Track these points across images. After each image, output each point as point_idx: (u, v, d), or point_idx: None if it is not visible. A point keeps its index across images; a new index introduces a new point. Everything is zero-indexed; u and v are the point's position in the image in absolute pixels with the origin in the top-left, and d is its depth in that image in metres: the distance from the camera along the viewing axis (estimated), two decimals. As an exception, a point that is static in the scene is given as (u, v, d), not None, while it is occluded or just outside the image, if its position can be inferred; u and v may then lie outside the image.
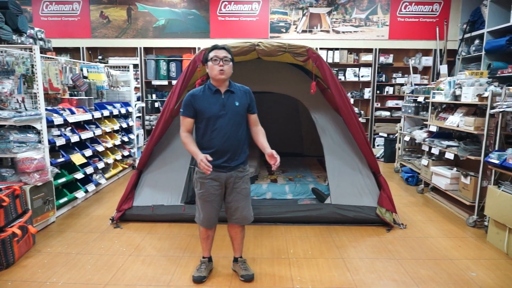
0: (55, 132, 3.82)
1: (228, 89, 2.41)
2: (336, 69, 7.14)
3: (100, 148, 4.68)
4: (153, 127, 3.79)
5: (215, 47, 2.38)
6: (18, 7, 3.96)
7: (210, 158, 2.25)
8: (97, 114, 4.67)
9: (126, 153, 5.56)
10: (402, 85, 7.07)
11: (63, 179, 3.86)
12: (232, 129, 2.39)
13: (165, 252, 3.01)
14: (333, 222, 3.54)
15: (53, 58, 4.28)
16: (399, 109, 7.03)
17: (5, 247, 2.66)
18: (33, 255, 2.92)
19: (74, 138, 4.07)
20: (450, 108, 4.32)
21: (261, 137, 2.54)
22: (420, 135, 4.83)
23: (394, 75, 7.33)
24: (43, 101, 3.46)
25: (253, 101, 2.51)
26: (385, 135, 7.10)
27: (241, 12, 7.13)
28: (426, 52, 7.17)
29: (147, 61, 7.19)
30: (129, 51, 7.36)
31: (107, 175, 4.91)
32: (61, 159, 3.83)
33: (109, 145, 4.96)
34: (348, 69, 7.18)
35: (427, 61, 7.10)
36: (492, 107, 3.25)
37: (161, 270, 2.72)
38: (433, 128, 4.48)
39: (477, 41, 6.27)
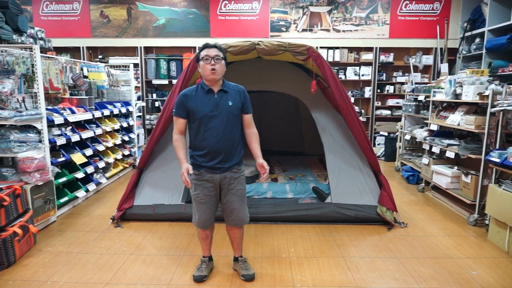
0: (56, 131, 3.82)
1: (221, 89, 2.36)
2: (337, 68, 7.14)
3: (100, 148, 4.68)
4: (154, 127, 3.79)
5: (206, 46, 2.33)
6: (18, 7, 3.96)
7: (191, 172, 2.29)
8: (98, 114, 4.67)
9: (126, 152, 5.57)
10: (402, 83, 7.07)
11: (64, 179, 3.86)
12: (225, 129, 2.34)
13: (166, 251, 3.01)
14: (334, 221, 3.54)
15: (53, 57, 4.29)
16: (399, 108, 7.03)
17: (6, 247, 2.67)
18: (34, 255, 2.92)
19: (75, 138, 4.07)
20: (451, 106, 4.31)
21: (254, 143, 2.48)
22: (420, 134, 4.83)
23: (394, 74, 7.32)
24: (44, 100, 3.46)
25: (247, 100, 2.45)
26: (386, 134, 7.09)
27: (241, 11, 7.12)
28: (426, 51, 7.16)
29: (148, 60, 7.19)
30: (129, 51, 7.36)
31: (107, 175, 4.91)
32: (61, 159, 3.83)
33: (110, 144, 4.96)
34: (348, 68, 7.17)
35: (428, 59, 7.09)
36: (493, 106, 3.25)
37: (161, 269, 2.72)
38: (434, 127, 4.48)
39: (477, 40, 6.26)
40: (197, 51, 5.73)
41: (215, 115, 2.33)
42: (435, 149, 4.29)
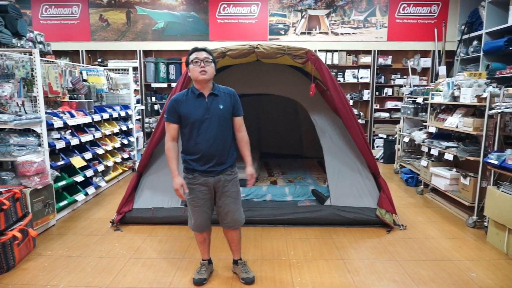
0: (55, 135, 3.82)
1: (211, 92, 2.37)
2: (335, 70, 7.16)
3: (100, 151, 4.68)
4: (153, 130, 3.80)
5: (195, 49, 2.34)
6: (17, 11, 3.97)
7: (186, 190, 2.37)
8: (97, 117, 4.68)
9: (126, 155, 5.57)
10: (401, 86, 7.09)
11: (63, 182, 3.86)
12: (217, 133, 2.34)
13: (166, 254, 3.01)
14: (333, 223, 3.55)
15: (52, 61, 4.30)
16: (398, 110, 7.05)
17: (6, 250, 2.67)
18: (34, 258, 2.92)
19: (74, 141, 4.08)
20: (449, 109, 4.33)
21: (245, 149, 2.49)
22: (419, 136, 4.84)
23: (393, 77, 7.35)
24: (43, 104, 3.47)
25: (238, 103, 2.45)
26: (385, 136, 7.11)
27: (240, 15, 7.15)
28: (424, 53, 7.19)
29: (147, 63, 7.20)
30: (129, 54, 7.37)
31: (107, 178, 4.91)
32: (61, 162, 3.83)
33: (109, 147, 4.96)
34: (347, 70, 7.19)
35: (426, 62, 7.12)
36: (491, 108, 3.26)
37: (161, 272, 2.72)
38: (432, 129, 4.49)
39: (475, 42, 6.29)
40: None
41: (206, 119, 2.33)
42: (434, 151, 4.30)
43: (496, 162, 3.07)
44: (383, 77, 7.26)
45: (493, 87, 3.59)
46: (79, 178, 4.13)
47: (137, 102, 6.64)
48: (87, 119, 4.40)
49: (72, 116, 4.13)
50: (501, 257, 2.95)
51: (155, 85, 7.27)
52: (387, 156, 6.68)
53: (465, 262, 2.87)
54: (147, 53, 7.36)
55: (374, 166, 3.63)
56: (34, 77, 3.42)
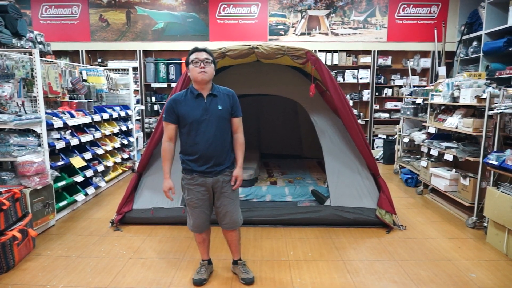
0: (55, 135, 3.82)
1: (210, 93, 2.36)
2: (335, 71, 7.16)
3: (99, 151, 4.68)
4: (153, 130, 3.79)
5: (195, 50, 2.33)
6: (17, 11, 3.97)
7: (174, 194, 2.46)
8: (97, 117, 4.68)
9: (125, 156, 5.57)
10: (400, 86, 7.10)
11: (63, 182, 3.86)
12: (216, 133, 2.34)
13: (165, 255, 3.01)
14: (333, 224, 3.55)
15: (52, 61, 4.30)
16: (398, 110, 7.05)
17: (5, 251, 2.67)
18: (33, 259, 2.92)
19: (74, 141, 4.08)
20: (449, 109, 4.33)
21: (238, 150, 2.48)
22: (419, 136, 4.84)
23: (392, 77, 7.35)
24: (43, 104, 3.47)
25: (236, 103, 2.44)
26: (384, 136, 7.11)
27: (240, 15, 7.15)
28: (424, 54, 7.20)
29: (147, 64, 7.20)
30: (129, 54, 7.38)
31: (106, 178, 4.91)
32: (61, 162, 3.83)
33: (109, 148, 4.96)
34: (347, 71, 7.20)
35: (426, 63, 7.12)
36: (491, 109, 3.27)
37: (161, 273, 2.72)
38: (432, 130, 4.50)
39: (475, 43, 6.30)
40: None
41: (205, 120, 2.33)
42: (434, 152, 4.30)
43: (495, 163, 3.07)
44: (382, 77, 7.27)
45: (493, 87, 3.59)
46: (79, 178, 4.13)
47: (137, 102, 6.64)
48: (87, 119, 4.40)
49: (72, 116, 4.13)
50: (501, 258, 2.96)
51: (155, 85, 7.28)
52: (386, 156, 6.69)
53: (465, 262, 2.88)
54: (147, 53, 7.36)
55: (373, 166, 3.63)
56: (34, 77, 3.42)
